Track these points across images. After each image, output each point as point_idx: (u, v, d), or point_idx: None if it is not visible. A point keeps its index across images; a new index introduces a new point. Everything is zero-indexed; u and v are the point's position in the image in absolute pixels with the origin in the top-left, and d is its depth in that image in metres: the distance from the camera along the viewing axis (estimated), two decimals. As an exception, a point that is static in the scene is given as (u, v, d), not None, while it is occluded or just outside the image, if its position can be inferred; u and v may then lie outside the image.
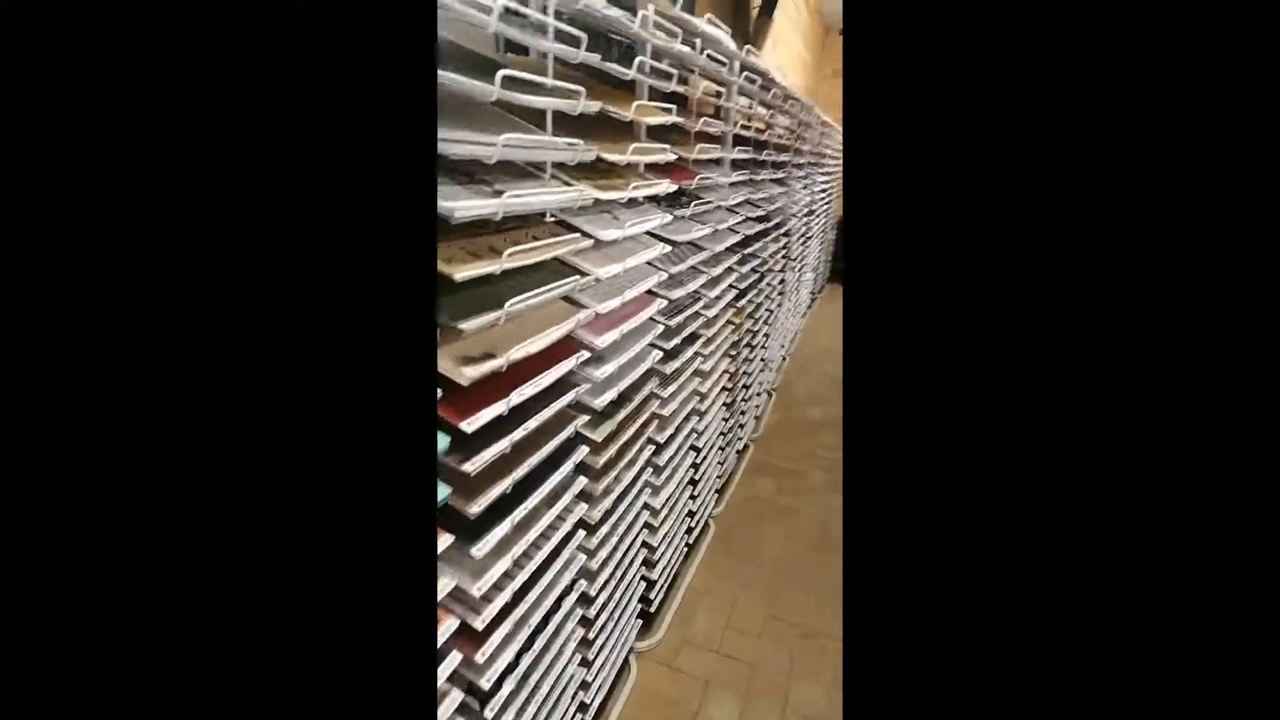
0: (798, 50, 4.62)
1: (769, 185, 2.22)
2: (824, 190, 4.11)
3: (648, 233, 1.10)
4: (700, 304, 1.51)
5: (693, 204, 1.24)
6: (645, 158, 0.94)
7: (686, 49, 1.02)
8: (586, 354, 0.90)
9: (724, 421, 2.03)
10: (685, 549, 1.84)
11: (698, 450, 1.72)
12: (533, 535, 0.85)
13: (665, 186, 1.04)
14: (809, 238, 3.81)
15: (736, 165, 1.78)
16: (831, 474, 2.52)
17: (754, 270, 2.11)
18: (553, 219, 0.83)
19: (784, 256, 2.74)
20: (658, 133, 1.17)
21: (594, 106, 0.75)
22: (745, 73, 1.54)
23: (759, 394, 2.71)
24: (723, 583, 1.84)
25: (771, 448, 2.71)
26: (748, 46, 1.70)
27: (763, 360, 2.61)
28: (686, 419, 1.58)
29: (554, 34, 0.71)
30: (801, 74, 4.97)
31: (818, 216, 4.07)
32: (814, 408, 3.18)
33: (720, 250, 1.58)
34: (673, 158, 1.05)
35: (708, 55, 1.19)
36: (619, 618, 1.31)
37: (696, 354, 1.56)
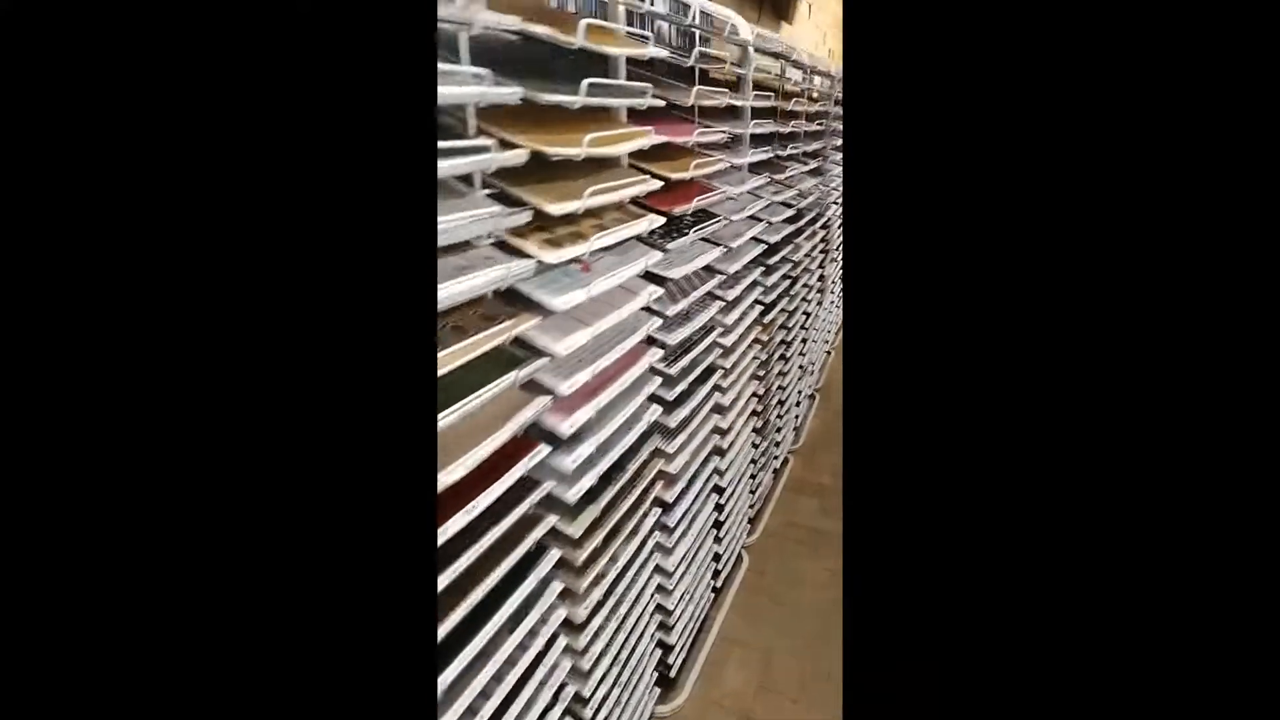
0: (836, 13, 4.24)
1: (801, 179, 1.98)
2: (870, 166, 3.77)
3: (643, 274, 0.92)
4: (715, 334, 1.32)
5: (693, 229, 1.05)
6: (610, 196, 0.76)
7: (661, 52, 0.83)
8: (549, 447, 0.75)
9: (754, 448, 1.84)
10: (712, 593, 1.68)
11: (721, 490, 1.55)
12: (490, 670, 0.71)
13: (647, 222, 0.86)
14: (854, 221, 3.50)
15: (757, 167, 1.56)
16: (881, 491, 2.30)
17: (785, 277, 1.89)
18: (493, 294, 0.67)
19: (822, 251, 2.49)
20: (653, 151, 0.99)
21: (518, 157, 0.58)
22: (763, 58, 1.32)
23: (798, 403, 2.50)
24: (756, 629, 1.68)
25: (813, 460, 2.50)
26: (759, 32, 1.47)
27: (801, 368, 2.39)
28: (705, 462, 1.41)
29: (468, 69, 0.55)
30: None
31: (864, 196, 3.74)
32: (862, 410, 2.93)
33: (739, 268, 1.38)
34: (655, 186, 0.87)
35: (701, 52, 0.99)
36: (628, 700, 1.17)
37: (715, 388, 1.38)
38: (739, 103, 1.24)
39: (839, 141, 2.56)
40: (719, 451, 1.49)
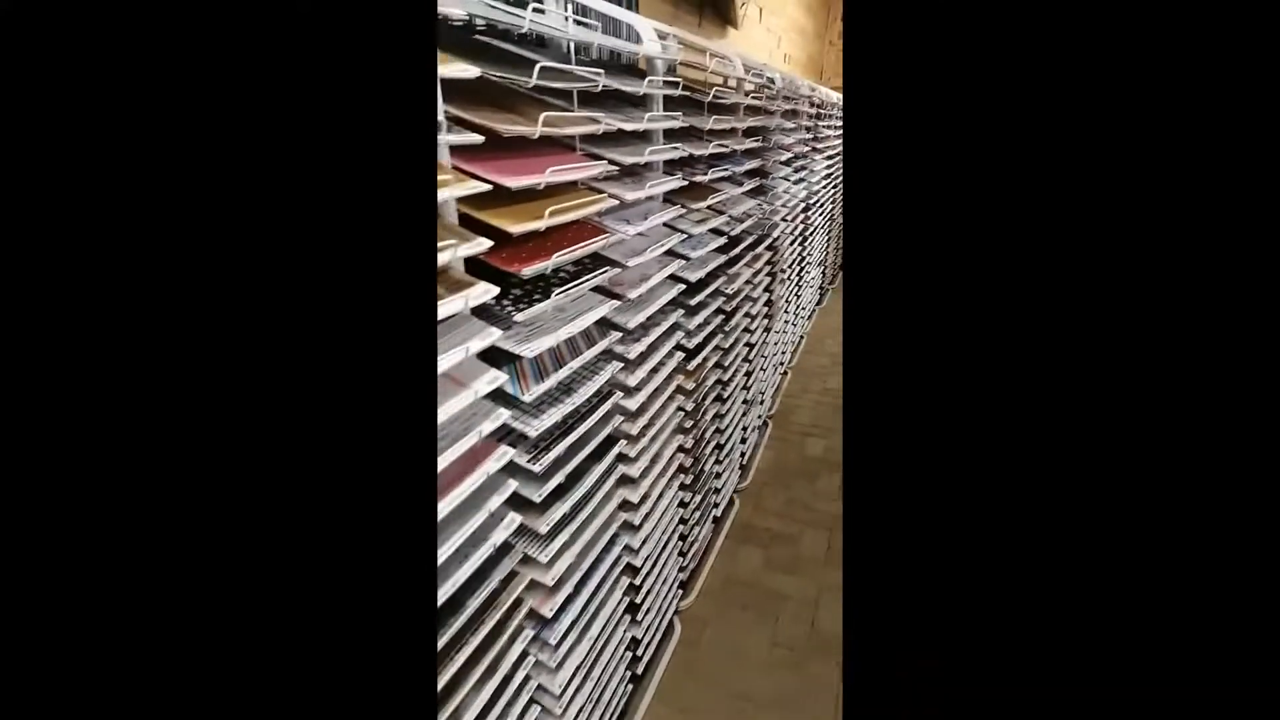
0: (793, 17, 4.08)
1: (738, 201, 1.78)
2: (826, 176, 3.62)
3: (486, 353, 0.71)
4: (616, 399, 1.11)
5: (559, 290, 0.83)
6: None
7: (494, 74, 0.61)
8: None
9: (683, 506, 1.64)
10: (630, 685, 1.47)
11: (636, 570, 1.34)
12: None
13: (462, 300, 0.64)
14: (809, 235, 3.34)
15: (676, 195, 1.35)
16: (829, 535, 2.12)
17: (718, 311, 1.69)
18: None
19: (769, 275, 2.31)
20: (519, 194, 0.77)
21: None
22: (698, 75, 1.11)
23: (744, 440, 2.31)
24: (681, 716, 1.47)
25: (761, 501, 2.31)
26: (687, 40, 1.26)
27: (745, 403, 2.20)
28: (610, 546, 1.20)
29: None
30: (800, 42, 4.42)
31: (820, 206, 3.58)
32: (814, 440, 2.76)
33: (647, 317, 1.18)
34: (480, 247, 0.65)
35: (545, 66, 0.77)
36: None
37: (618, 458, 1.17)
38: (632, 126, 1.02)
39: (785, 156, 2.38)
40: (630, 528, 1.28)
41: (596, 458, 1.07)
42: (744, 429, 2.27)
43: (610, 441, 1.13)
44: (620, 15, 1.14)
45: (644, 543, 1.34)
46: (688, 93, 1.28)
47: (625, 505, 1.25)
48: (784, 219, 2.48)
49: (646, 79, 1.07)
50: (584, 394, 0.97)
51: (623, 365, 1.12)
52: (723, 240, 1.65)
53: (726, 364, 1.84)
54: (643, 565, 1.35)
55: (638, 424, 1.20)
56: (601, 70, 0.86)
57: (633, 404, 1.16)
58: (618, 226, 1.03)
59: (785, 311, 2.95)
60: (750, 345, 2.11)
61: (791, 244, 2.82)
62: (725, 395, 1.88)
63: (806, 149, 2.90)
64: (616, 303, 1.04)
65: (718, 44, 1.63)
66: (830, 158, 3.63)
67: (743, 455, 2.34)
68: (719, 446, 1.93)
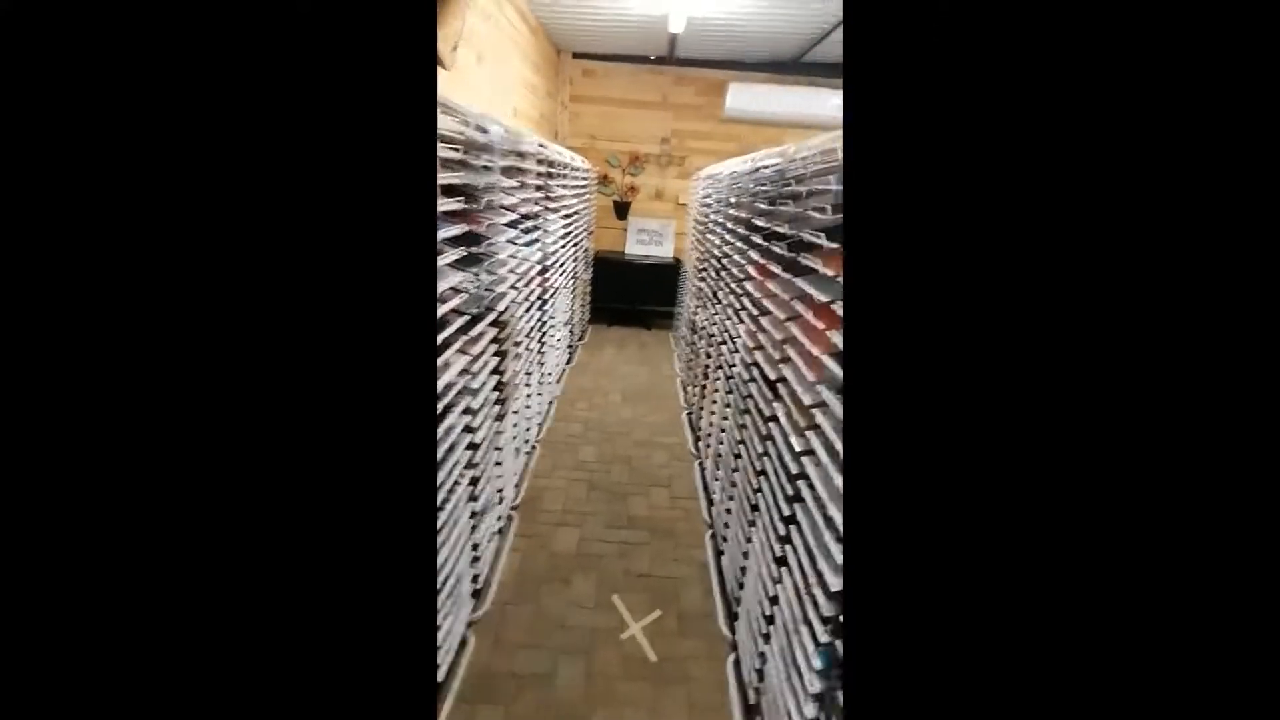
0: (521, 71, 3.92)
1: (442, 274, 1.39)
2: (564, 235, 3.46)
3: None
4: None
5: None
6: None
7: None
8: None
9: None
10: None
11: None
12: None
13: None
14: (550, 297, 3.10)
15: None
16: (586, 660, 1.78)
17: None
18: None
19: (497, 354, 1.95)
20: None
21: None
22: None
23: (476, 558, 1.87)
24: None
25: (504, 630, 1.88)
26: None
27: (474, 516, 1.78)
28: None
29: None
30: (531, 98, 4.30)
31: (561, 265, 3.40)
32: (566, 530, 2.44)
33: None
34: None
35: None
36: None
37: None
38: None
39: (509, 217, 2.08)
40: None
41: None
42: (475, 547, 1.83)
43: None
44: None
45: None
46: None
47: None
48: (513, 286, 2.17)
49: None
50: None
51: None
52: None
53: (439, 482, 1.40)
54: None
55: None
56: None
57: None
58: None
59: (526, 385, 2.62)
60: (475, 446, 1.71)
61: (528, 310, 2.53)
62: (441, 522, 1.43)
63: (538, 208, 2.67)
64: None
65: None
66: (567, 216, 3.49)
67: (475, 579, 1.90)
68: (436, 590, 1.46)
